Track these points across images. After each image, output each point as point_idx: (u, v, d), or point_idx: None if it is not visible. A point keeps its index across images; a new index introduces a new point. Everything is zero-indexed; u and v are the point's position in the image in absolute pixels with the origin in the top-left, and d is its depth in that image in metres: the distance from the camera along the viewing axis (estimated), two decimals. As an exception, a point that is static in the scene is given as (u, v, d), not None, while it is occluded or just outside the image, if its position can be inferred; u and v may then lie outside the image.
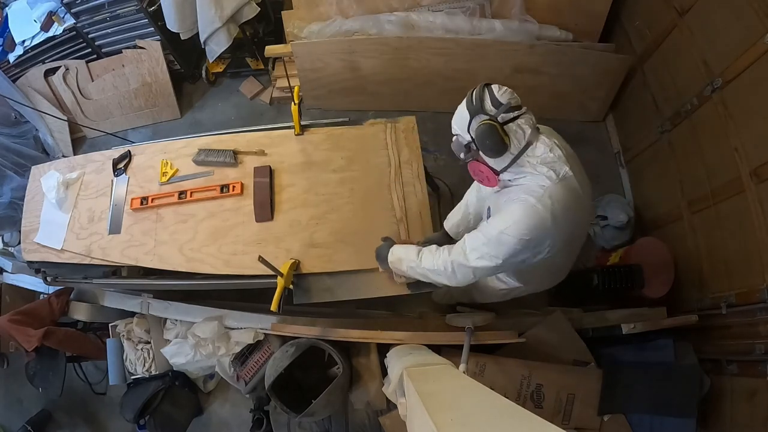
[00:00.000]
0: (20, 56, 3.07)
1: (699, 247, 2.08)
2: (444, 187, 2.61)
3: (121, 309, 2.30)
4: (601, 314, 2.07)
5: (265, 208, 1.85)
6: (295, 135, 1.99)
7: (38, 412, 2.68)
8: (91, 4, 2.85)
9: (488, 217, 1.43)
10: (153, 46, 3.03)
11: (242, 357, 2.15)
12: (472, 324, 1.73)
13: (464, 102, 1.25)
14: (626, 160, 2.76)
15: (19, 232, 2.14)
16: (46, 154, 3.19)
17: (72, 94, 3.17)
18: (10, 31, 3.05)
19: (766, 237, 1.68)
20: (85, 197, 2.04)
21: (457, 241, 1.42)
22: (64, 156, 3.17)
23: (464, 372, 1.47)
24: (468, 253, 1.33)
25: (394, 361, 1.58)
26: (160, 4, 2.77)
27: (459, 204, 1.79)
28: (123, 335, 2.37)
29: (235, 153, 1.96)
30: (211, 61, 3.02)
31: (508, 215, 1.25)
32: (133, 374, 2.37)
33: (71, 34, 3.03)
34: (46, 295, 2.47)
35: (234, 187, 1.90)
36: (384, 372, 1.86)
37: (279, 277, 1.62)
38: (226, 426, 2.55)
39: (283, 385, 1.89)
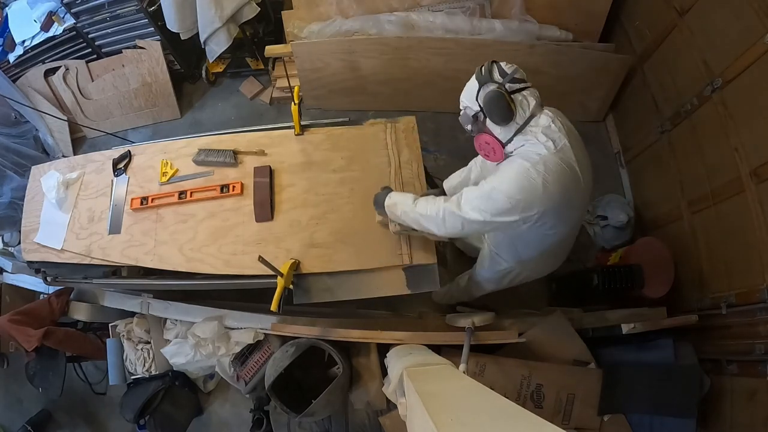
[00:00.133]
0: (20, 56, 3.07)
1: (699, 247, 2.08)
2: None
3: (121, 309, 2.30)
4: (601, 314, 2.07)
5: (265, 208, 1.85)
6: (295, 135, 1.99)
7: (38, 412, 2.68)
8: (91, 4, 2.86)
9: None
10: (153, 46, 3.04)
11: (242, 357, 2.15)
12: (472, 324, 1.73)
13: (473, 76, 1.35)
14: (626, 160, 2.76)
15: (19, 232, 2.14)
16: (46, 154, 3.20)
17: (72, 94, 3.18)
18: (10, 31, 3.05)
19: (766, 237, 1.68)
20: (85, 197, 2.04)
21: None
22: (64, 156, 3.18)
23: (464, 372, 1.48)
24: (462, 203, 1.39)
25: (394, 361, 1.58)
26: (160, 4, 2.77)
27: (462, 168, 1.85)
28: (123, 335, 2.37)
29: (235, 153, 1.96)
30: (211, 61, 3.02)
31: (503, 173, 1.34)
32: (133, 374, 2.37)
33: (71, 34, 3.03)
34: (46, 295, 2.47)
35: (234, 187, 1.90)
36: (384, 372, 1.86)
37: (279, 277, 1.62)
38: (226, 426, 2.56)
39: (283, 385, 1.89)
